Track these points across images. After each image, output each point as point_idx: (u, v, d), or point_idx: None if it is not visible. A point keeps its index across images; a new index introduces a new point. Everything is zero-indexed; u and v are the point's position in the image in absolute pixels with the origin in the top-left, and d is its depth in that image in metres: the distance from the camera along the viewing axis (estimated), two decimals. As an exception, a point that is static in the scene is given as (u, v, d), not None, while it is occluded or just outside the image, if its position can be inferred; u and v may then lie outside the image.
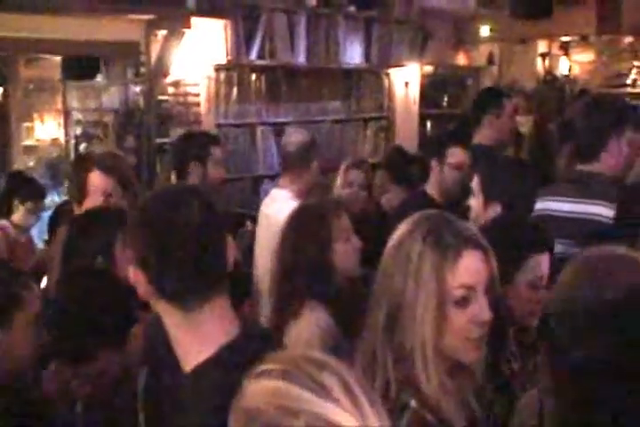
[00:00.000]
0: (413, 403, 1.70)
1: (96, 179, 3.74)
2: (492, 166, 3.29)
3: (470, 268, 1.76)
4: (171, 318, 1.71)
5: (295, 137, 4.28)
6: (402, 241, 1.82)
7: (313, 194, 4.22)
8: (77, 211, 3.86)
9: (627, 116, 3.55)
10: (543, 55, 10.10)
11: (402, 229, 1.86)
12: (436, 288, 1.74)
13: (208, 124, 6.47)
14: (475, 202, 3.17)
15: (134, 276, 1.70)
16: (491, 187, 3.11)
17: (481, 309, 1.75)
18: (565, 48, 9.93)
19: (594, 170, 3.43)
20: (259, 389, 1.26)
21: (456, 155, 4.19)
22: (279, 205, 3.87)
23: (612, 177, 3.43)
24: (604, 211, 3.31)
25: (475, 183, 3.19)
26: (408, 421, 1.67)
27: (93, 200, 3.72)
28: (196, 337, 1.69)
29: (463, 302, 1.75)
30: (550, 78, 9.96)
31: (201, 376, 1.66)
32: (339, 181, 4.71)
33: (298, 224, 2.84)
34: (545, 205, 3.49)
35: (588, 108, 3.66)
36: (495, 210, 3.08)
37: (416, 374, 1.73)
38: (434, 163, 4.25)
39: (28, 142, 7.38)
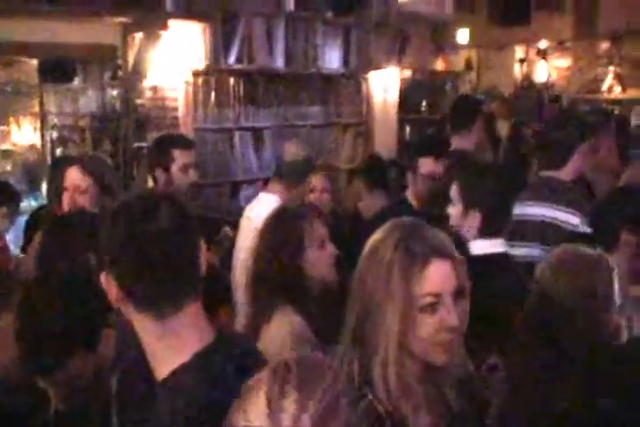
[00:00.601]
0: (370, 395, 1.78)
1: (72, 174, 3.76)
2: (471, 174, 3.28)
3: (437, 276, 1.81)
4: (143, 325, 1.68)
5: (300, 149, 4.26)
6: (375, 248, 1.88)
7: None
8: (58, 211, 3.87)
9: (596, 128, 3.82)
10: (521, 61, 10.18)
11: (376, 236, 1.91)
12: (403, 295, 1.79)
13: (186, 128, 6.44)
14: (454, 210, 3.15)
15: (105, 282, 1.67)
16: (470, 195, 3.09)
17: (449, 315, 1.80)
18: (543, 54, 9.99)
19: (559, 176, 3.68)
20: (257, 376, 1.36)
21: (426, 165, 4.21)
22: (261, 208, 3.85)
23: (576, 181, 3.65)
24: (570, 218, 3.46)
25: (453, 191, 3.17)
26: (363, 409, 1.75)
27: (68, 197, 3.74)
28: (170, 345, 1.67)
29: (431, 309, 1.80)
30: (528, 83, 10.02)
31: (174, 384, 1.64)
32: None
33: (273, 228, 2.84)
34: (523, 210, 3.56)
35: (560, 119, 3.91)
36: (475, 218, 3.06)
37: (374, 374, 1.79)
38: (409, 173, 4.29)
39: (4, 146, 7.33)
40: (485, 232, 3.05)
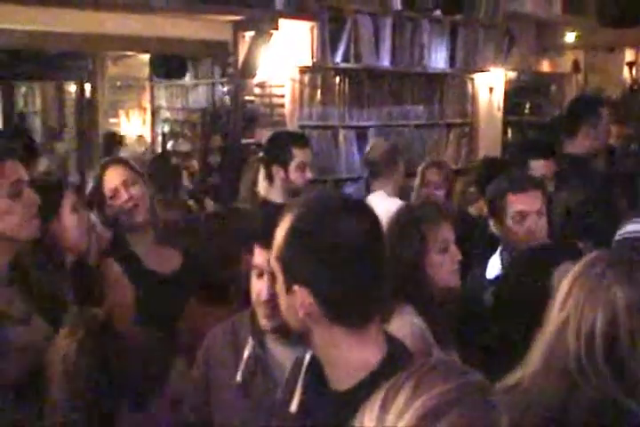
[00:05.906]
0: None
1: None
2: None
3: None
4: (332, 336, 1.63)
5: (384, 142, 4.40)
6: None
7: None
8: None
9: None
10: (630, 64, 9.90)
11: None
12: None
13: (292, 125, 6.49)
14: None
15: (301, 295, 1.58)
16: None
17: None
18: (653, 57, 9.73)
19: None
20: None
21: (538, 168, 4.18)
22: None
23: None
24: None
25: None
26: None
27: None
28: (355, 357, 1.64)
29: None
30: (637, 87, 9.76)
31: (352, 399, 1.55)
32: (417, 180, 4.74)
33: (396, 229, 2.77)
34: (635, 226, 3.41)
35: None
36: None
37: None
38: None
39: (113, 137, 7.50)
40: None
